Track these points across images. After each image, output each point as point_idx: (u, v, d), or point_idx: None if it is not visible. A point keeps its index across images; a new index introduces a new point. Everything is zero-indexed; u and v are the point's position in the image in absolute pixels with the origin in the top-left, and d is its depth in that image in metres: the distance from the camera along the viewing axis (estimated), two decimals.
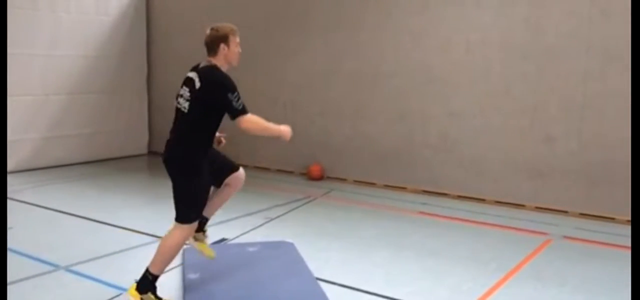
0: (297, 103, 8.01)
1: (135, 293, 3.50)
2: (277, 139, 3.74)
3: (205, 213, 3.92)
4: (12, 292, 3.79)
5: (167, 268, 4.09)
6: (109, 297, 3.84)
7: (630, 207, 5.72)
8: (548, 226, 5.68)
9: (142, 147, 9.91)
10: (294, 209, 6.27)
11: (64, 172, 8.22)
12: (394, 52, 7.26)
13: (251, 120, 3.48)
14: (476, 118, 6.70)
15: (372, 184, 7.48)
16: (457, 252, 4.86)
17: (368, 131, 7.58)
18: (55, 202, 6.36)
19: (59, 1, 8.39)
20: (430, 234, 5.45)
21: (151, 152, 10.00)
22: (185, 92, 3.55)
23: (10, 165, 7.75)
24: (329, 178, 7.82)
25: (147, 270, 3.54)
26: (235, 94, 3.43)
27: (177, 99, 3.68)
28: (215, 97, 3.44)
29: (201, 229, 4.00)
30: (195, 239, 3.98)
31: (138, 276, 4.03)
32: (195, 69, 3.63)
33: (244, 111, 3.45)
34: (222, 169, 3.84)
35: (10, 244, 4.52)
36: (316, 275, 4.15)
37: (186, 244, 3.82)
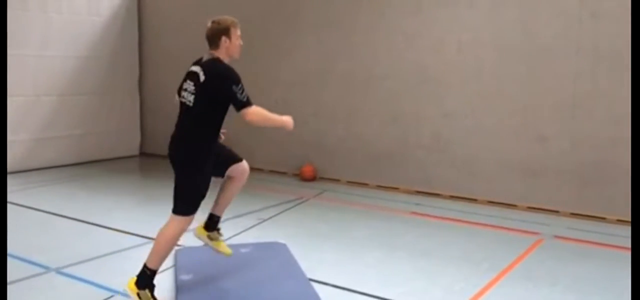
0: (289, 103, 8.00)
1: (134, 287, 3.51)
2: (279, 129, 3.75)
3: (216, 212, 3.98)
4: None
5: (160, 269, 4.08)
6: (101, 299, 3.82)
7: (620, 206, 5.80)
8: (540, 226, 5.71)
9: (134, 148, 9.87)
10: (286, 210, 6.27)
11: (55, 174, 8.17)
12: (387, 53, 7.27)
13: (256, 112, 3.50)
14: (468, 118, 6.73)
15: (365, 185, 7.49)
16: (449, 252, 4.87)
17: (361, 132, 7.59)
18: (46, 204, 6.32)
19: (50, 1, 8.34)
20: (422, 234, 5.47)
21: (143, 154, 9.97)
22: (190, 85, 3.56)
23: None
24: (321, 179, 7.82)
25: (144, 266, 3.54)
26: (240, 85, 3.45)
27: (180, 93, 3.71)
28: (219, 89, 3.46)
29: (215, 228, 4.04)
30: (211, 239, 4.03)
31: (129, 277, 4.03)
32: (198, 63, 3.64)
33: (248, 103, 3.47)
34: (227, 161, 3.85)
35: None
36: (309, 276, 4.15)
37: (178, 245, 3.82)
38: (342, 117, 7.73)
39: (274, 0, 8.24)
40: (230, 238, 5.12)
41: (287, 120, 3.73)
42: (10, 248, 4.67)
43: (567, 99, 6.06)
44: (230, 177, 3.93)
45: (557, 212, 6.13)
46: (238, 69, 3.55)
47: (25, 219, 5.85)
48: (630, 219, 5.69)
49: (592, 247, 5.13)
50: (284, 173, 8.03)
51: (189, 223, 3.63)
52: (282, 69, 8.09)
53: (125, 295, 3.84)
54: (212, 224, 4.03)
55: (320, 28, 7.78)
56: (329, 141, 7.88)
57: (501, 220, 5.90)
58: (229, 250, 4.09)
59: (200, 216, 3.77)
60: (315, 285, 3.98)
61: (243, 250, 4.69)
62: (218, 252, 4.07)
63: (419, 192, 7.06)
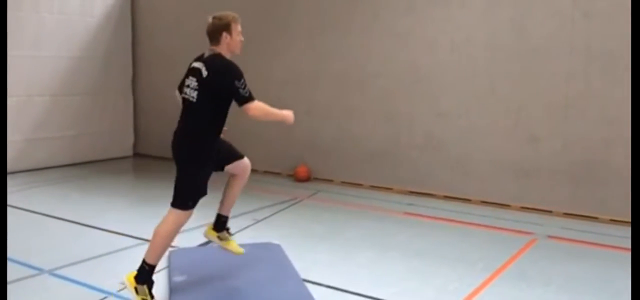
0: (283, 103, 7.95)
1: (133, 280, 3.52)
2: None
3: (223, 211, 4.01)
4: None
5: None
6: None
7: (613, 206, 5.83)
8: (533, 226, 5.73)
9: (127, 148, 9.83)
10: (280, 211, 6.26)
11: (48, 175, 8.13)
12: (380, 52, 7.28)
13: (258, 107, 3.53)
14: (462, 118, 6.75)
15: (359, 185, 7.50)
16: (443, 253, 4.88)
17: (355, 132, 7.59)
18: (39, 205, 6.28)
19: (42, 2, 8.30)
20: (416, 234, 5.48)
21: (136, 154, 9.93)
22: (192, 81, 3.58)
23: None
24: (315, 179, 7.82)
25: (143, 261, 3.55)
26: (242, 80, 3.48)
27: (181, 89, 3.74)
28: (222, 84, 3.48)
29: (223, 228, 4.06)
30: (221, 239, 4.06)
31: (123, 279, 4.01)
32: (200, 58, 3.65)
33: (251, 98, 3.50)
34: (228, 157, 3.86)
35: None
36: (303, 276, 4.15)
37: (172, 246, 3.81)
38: (336, 117, 7.74)
39: (268, 3, 8.23)
40: None
41: (287, 114, 3.78)
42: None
43: (560, 100, 6.09)
44: (232, 175, 3.95)
45: (550, 212, 6.16)
46: None
47: (18, 221, 5.80)
48: (622, 219, 5.74)
49: (585, 247, 5.16)
50: (278, 173, 8.02)
51: (187, 218, 3.64)
52: (275, 70, 8.08)
53: (118, 296, 3.84)
54: (220, 224, 4.06)
55: (314, 29, 7.78)
56: (322, 141, 7.88)
57: (494, 220, 5.92)
58: (240, 250, 4.11)
59: (198, 213, 3.76)
60: (309, 286, 3.98)
61: None
62: (229, 251, 4.10)
63: (412, 192, 7.07)
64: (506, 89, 6.42)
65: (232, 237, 4.17)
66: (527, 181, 6.36)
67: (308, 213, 6.24)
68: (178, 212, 3.58)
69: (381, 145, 7.38)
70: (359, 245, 5.07)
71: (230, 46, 3.63)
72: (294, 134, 7.97)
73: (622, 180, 5.77)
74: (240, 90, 3.46)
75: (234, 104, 3.57)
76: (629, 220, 5.69)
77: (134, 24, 9.76)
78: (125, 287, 3.90)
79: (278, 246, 4.75)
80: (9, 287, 3.96)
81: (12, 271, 4.25)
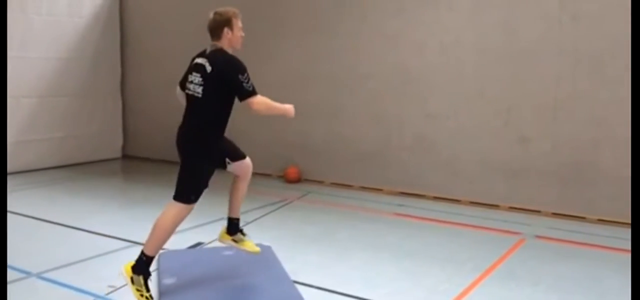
0: None
1: (129, 270, 3.53)
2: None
3: (232, 214, 4.06)
4: None
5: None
6: None
7: (600, 206, 5.89)
8: (521, 226, 5.77)
9: (116, 150, 9.77)
10: (270, 212, 6.25)
11: (36, 177, 8.05)
12: (369, 54, 7.30)
13: (261, 101, 3.57)
14: (451, 119, 6.78)
15: (349, 186, 7.51)
16: (433, 253, 4.90)
17: (345, 133, 7.60)
18: (27, 208, 6.22)
19: (29, 2, 8.22)
20: (406, 235, 5.49)
21: (125, 156, 9.87)
22: (196, 77, 3.60)
23: None
24: (306, 180, 7.82)
25: (142, 252, 3.56)
26: (245, 75, 3.51)
27: (183, 85, 3.78)
28: (226, 79, 3.51)
29: (237, 230, 4.10)
30: (235, 242, 4.10)
31: (111, 282, 3.99)
32: (202, 54, 3.68)
33: (254, 92, 3.53)
34: (231, 155, 3.88)
35: None
36: (293, 278, 4.14)
37: (162, 249, 3.79)
38: (326, 118, 7.75)
39: (258, 3, 8.22)
40: (214, 240, 5.09)
41: (289, 108, 3.84)
42: None
43: (548, 101, 6.14)
44: (235, 177, 3.98)
45: (538, 212, 6.20)
46: None
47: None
48: (610, 219, 5.80)
49: (573, 247, 5.20)
50: (268, 175, 8.00)
51: (189, 212, 3.66)
52: (265, 71, 8.04)
53: (106, 299, 3.81)
54: (232, 227, 4.10)
55: (304, 31, 7.78)
56: (313, 143, 7.88)
57: (484, 221, 5.96)
58: (256, 248, 4.15)
59: (190, 215, 3.74)
60: (300, 288, 3.98)
61: (227, 252, 4.66)
62: (246, 252, 4.14)
63: (402, 193, 7.09)
64: (495, 90, 6.46)
65: (247, 237, 4.20)
66: (516, 182, 6.41)
67: (298, 214, 6.23)
68: (180, 206, 3.61)
69: (371, 146, 7.40)
70: (349, 247, 5.07)
71: (232, 41, 3.67)
72: (284, 135, 7.97)
73: (609, 181, 5.83)
74: (244, 84, 3.50)
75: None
76: (616, 220, 5.77)
77: (122, 25, 9.70)
78: (114, 290, 3.89)
79: (268, 248, 4.74)
80: None
81: None
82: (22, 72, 8.19)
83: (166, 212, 3.62)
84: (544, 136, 6.20)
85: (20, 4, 8.09)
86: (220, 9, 3.68)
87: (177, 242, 4.75)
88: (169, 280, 4.02)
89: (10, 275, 4.22)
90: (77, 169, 8.77)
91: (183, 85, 3.84)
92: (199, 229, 5.29)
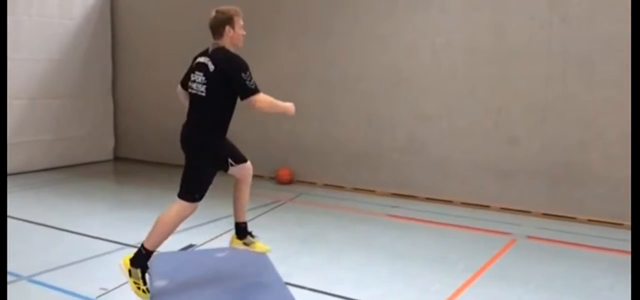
0: None
1: (128, 262, 3.55)
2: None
3: (238, 219, 4.07)
4: None
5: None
6: None
7: (590, 207, 5.94)
8: (512, 226, 5.81)
9: (107, 152, 9.72)
10: (263, 214, 6.25)
11: (26, 179, 8.00)
12: (362, 56, 7.32)
13: (264, 99, 3.60)
14: (443, 120, 6.81)
15: (342, 188, 7.52)
16: (425, 254, 4.92)
17: (337, 135, 7.61)
18: (17, 211, 6.17)
19: (20, 4, 8.17)
20: (398, 236, 5.51)
21: (117, 158, 9.83)
22: (199, 76, 3.62)
23: None
24: (298, 182, 7.82)
25: (141, 246, 3.57)
26: (248, 73, 3.53)
27: (185, 85, 3.79)
28: (229, 77, 3.53)
29: (246, 234, 4.12)
30: (246, 245, 4.12)
31: (103, 284, 3.98)
32: (205, 53, 3.69)
33: (256, 90, 3.55)
34: (233, 158, 3.89)
35: None
36: (285, 280, 4.14)
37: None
38: (319, 119, 7.75)
39: (250, 5, 8.20)
40: (206, 242, 5.09)
41: (289, 106, 3.84)
42: None
43: (538, 102, 6.18)
44: (237, 180, 4.01)
45: (529, 212, 6.25)
46: None
47: None
48: (599, 219, 5.86)
49: (563, 247, 5.24)
50: (260, 176, 7.99)
51: (192, 210, 3.68)
52: (258, 72, 7.94)
53: None
54: (241, 231, 4.13)
55: (297, 32, 7.79)
56: (305, 144, 7.89)
57: (475, 221, 5.99)
58: (267, 247, 4.18)
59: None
60: (292, 289, 3.98)
61: (219, 254, 4.65)
62: (258, 252, 4.16)
63: (394, 194, 7.11)
64: (485, 91, 6.50)
65: (257, 238, 4.22)
66: (506, 182, 6.45)
67: (290, 216, 6.23)
68: (183, 204, 3.63)
69: (363, 147, 7.41)
70: (342, 248, 5.08)
71: (234, 40, 3.69)
72: (277, 137, 7.98)
73: (599, 181, 5.88)
74: (247, 83, 3.52)
75: None
76: (606, 220, 5.82)
77: (113, 26, 9.66)
78: (105, 292, 3.88)
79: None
80: None
81: None
82: (12, 74, 8.11)
83: (170, 209, 3.65)
84: (534, 137, 6.24)
85: (11, 5, 8.02)
86: (222, 8, 3.70)
87: (169, 244, 4.71)
88: (160, 283, 4.00)
89: None
90: (68, 171, 8.72)
91: (184, 84, 3.85)
92: (191, 231, 5.28)
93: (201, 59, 3.67)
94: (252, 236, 4.17)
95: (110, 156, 9.77)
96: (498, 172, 6.49)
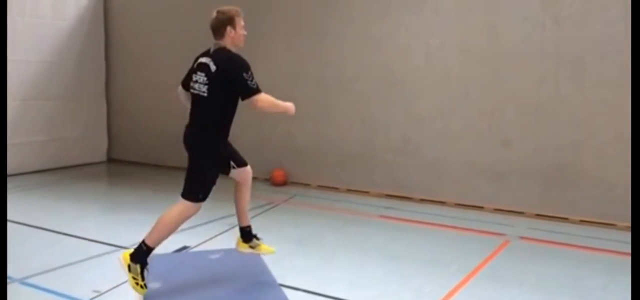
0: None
1: (128, 257, 3.58)
2: (252, 132, 3.87)
3: (243, 223, 4.14)
4: None
5: (127, 279, 4.02)
6: None
7: (582, 207, 5.97)
8: (506, 227, 5.83)
9: (100, 154, 9.68)
10: (257, 215, 6.23)
11: (19, 181, 7.94)
12: (356, 57, 7.33)
13: (265, 99, 3.64)
14: (436, 122, 6.83)
15: (336, 189, 7.52)
16: (419, 255, 4.93)
17: (331, 136, 7.62)
18: (10, 213, 6.09)
19: (13, 5, 8.12)
20: (393, 237, 5.52)
21: (110, 159, 9.79)
22: (201, 77, 3.65)
23: None
24: (292, 183, 7.82)
25: (142, 241, 3.60)
26: (249, 73, 3.57)
27: (185, 85, 3.84)
28: (231, 77, 3.56)
29: (251, 237, 4.17)
30: (252, 248, 4.16)
31: (96, 287, 3.97)
32: (206, 54, 3.72)
33: (258, 90, 3.59)
34: (235, 160, 3.94)
35: None
36: (279, 281, 4.15)
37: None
38: (313, 121, 7.75)
39: (245, 6, 8.19)
40: (200, 244, 5.08)
41: (290, 106, 3.86)
42: None
43: (531, 103, 6.21)
44: (237, 184, 4.07)
45: (522, 213, 6.27)
46: None
47: None
48: (592, 219, 5.89)
49: (556, 248, 5.26)
50: (254, 178, 7.93)
51: (196, 210, 3.71)
52: (254, 73, 8.06)
53: None
54: (246, 234, 4.18)
55: (291, 33, 7.79)
56: (299, 145, 7.89)
57: (469, 222, 6.00)
58: (272, 249, 4.23)
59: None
60: (287, 291, 3.98)
61: (213, 256, 4.66)
62: (264, 254, 4.22)
63: (388, 196, 7.12)
64: (479, 92, 6.52)
65: (262, 240, 4.27)
66: (500, 183, 6.47)
67: (285, 217, 6.23)
68: (187, 204, 3.66)
69: (357, 149, 7.42)
70: (336, 249, 5.08)
71: (235, 40, 3.73)
72: (271, 138, 7.97)
73: (591, 182, 5.92)
74: (249, 82, 3.55)
75: None
76: (598, 221, 5.86)
77: (106, 27, 9.62)
78: (98, 295, 3.87)
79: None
80: None
81: None
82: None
83: (173, 208, 3.68)
84: (527, 138, 6.27)
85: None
86: (223, 8, 3.73)
87: (163, 245, 4.72)
88: (154, 285, 3.99)
89: None
90: (61, 172, 8.67)
91: (185, 84, 3.88)
92: (185, 232, 5.25)
93: (203, 60, 3.70)
94: (257, 239, 4.22)
95: (104, 158, 9.72)
96: (492, 173, 6.51)
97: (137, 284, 3.57)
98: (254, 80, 3.58)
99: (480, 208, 6.52)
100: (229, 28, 3.67)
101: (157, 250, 4.56)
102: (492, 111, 6.46)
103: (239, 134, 7.72)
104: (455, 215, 6.29)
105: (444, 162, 6.81)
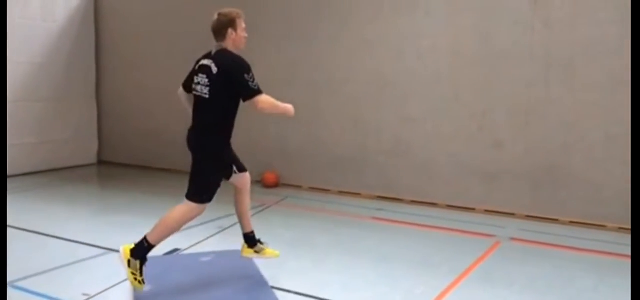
0: (250, 109, 7.98)
1: (128, 252, 3.59)
2: (246, 133, 3.90)
3: (246, 229, 4.17)
4: None
5: (118, 280, 4.01)
6: None
7: (572, 209, 6.01)
8: (497, 229, 5.85)
9: (91, 156, 9.63)
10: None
11: (9, 184, 7.84)
12: (348, 59, 7.34)
13: (266, 100, 3.66)
14: (428, 123, 6.85)
15: (327, 191, 7.53)
16: (410, 257, 4.94)
17: (323, 138, 7.62)
18: None
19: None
20: (384, 239, 5.53)
21: (101, 162, 9.73)
22: (203, 78, 3.67)
23: None
24: (284, 185, 7.81)
25: (144, 238, 3.62)
26: (251, 74, 3.60)
27: (187, 87, 3.88)
28: (232, 79, 3.58)
29: (255, 242, 4.19)
30: (257, 253, 4.18)
31: (86, 289, 3.94)
32: (208, 56, 3.75)
33: (259, 91, 3.62)
34: (237, 165, 3.99)
35: None
36: (271, 284, 4.14)
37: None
38: (305, 123, 7.74)
39: (237, 6, 8.19)
40: (191, 247, 5.06)
41: (290, 107, 3.91)
42: None
43: (521, 105, 6.25)
44: (237, 191, 4.11)
45: (513, 214, 6.31)
46: None
47: None
48: (582, 221, 5.94)
49: (546, 249, 5.29)
50: None
51: (200, 211, 3.74)
52: None
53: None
54: (250, 240, 4.19)
55: (283, 36, 7.79)
56: (291, 147, 7.89)
57: (460, 224, 6.03)
58: (276, 253, 4.25)
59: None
60: (278, 294, 3.98)
61: (204, 259, 4.64)
62: (268, 258, 4.24)
63: (380, 197, 7.13)
64: (470, 95, 6.56)
65: (266, 244, 4.28)
66: (491, 185, 6.50)
67: (276, 219, 6.22)
68: (191, 205, 3.69)
69: (349, 150, 7.43)
70: (328, 251, 5.08)
71: (236, 42, 3.77)
72: (263, 140, 7.96)
73: (581, 184, 5.96)
74: (250, 84, 3.57)
75: None
76: (588, 222, 5.90)
77: (97, 29, 9.58)
78: (88, 298, 3.84)
79: None
80: None
81: None
82: None
83: (178, 208, 3.70)
84: (518, 140, 6.30)
85: None
86: (224, 10, 3.77)
87: (158, 250, 4.70)
88: (145, 288, 3.97)
89: None
90: (51, 175, 8.61)
91: (187, 86, 3.92)
92: (176, 235, 5.20)
93: (204, 62, 3.72)
94: (262, 243, 4.24)
95: (94, 160, 9.67)
96: (482, 174, 6.54)
97: (136, 279, 3.60)
98: (255, 82, 3.60)
99: (471, 209, 6.54)
100: (230, 30, 3.71)
101: (149, 254, 4.54)
102: (483, 113, 6.49)
103: (233, 136, 7.74)
104: (446, 217, 6.32)
105: (435, 163, 6.83)
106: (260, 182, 7.82)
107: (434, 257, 4.93)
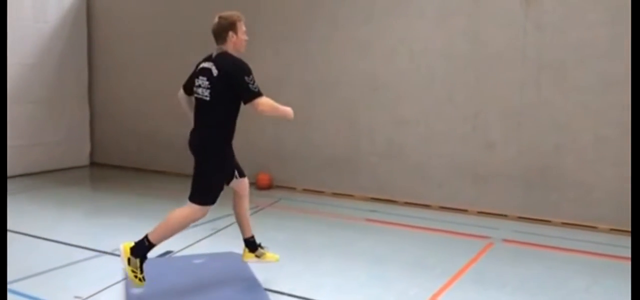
0: (245, 111, 7.97)
1: (128, 250, 3.60)
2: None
3: (246, 234, 4.18)
4: None
5: (110, 283, 4.00)
6: None
7: (564, 210, 6.05)
8: (489, 230, 5.88)
9: (83, 158, 9.58)
10: None
11: None
12: (341, 61, 7.35)
13: (267, 103, 3.68)
14: (420, 125, 6.87)
15: (321, 193, 7.53)
16: (403, 258, 4.96)
17: (316, 140, 7.62)
18: None
19: None
20: (377, 241, 5.54)
21: (93, 163, 9.69)
22: (203, 81, 3.69)
23: None
24: (277, 187, 7.81)
25: (146, 236, 3.63)
26: (251, 76, 3.62)
27: (187, 89, 3.91)
28: (233, 81, 3.60)
29: (256, 246, 4.20)
30: (258, 257, 4.19)
31: (78, 292, 3.92)
32: (209, 58, 3.77)
33: (260, 93, 3.63)
34: (237, 169, 4.00)
35: None
36: (265, 286, 4.14)
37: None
38: (298, 125, 7.73)
39: (230, 10, 8.17)
40: (183, 249, 5.05)
41: (289, 110, 3.95)
42: None
43: (514, 107, 6.28)
44: (236, 196, 4.11)
45: (505, 216, 6.33)
46: None
47: None
48: (573, 222, 5.97)
49: (539, 250, 5.32)
50: None
51: (203, 214, 3.75)
52: None
53: None
54: (250, 244, 4.21)
55: (276, 38, 7.78)
56: (284, 149, 7.88)
57: (453, 225, 6.05)
58: (276, 256, 4.26)
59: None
60: (272, 295, 3.98)
61: (197, 261, 4.63)
62: (269, 262, 4.25)
63: (373, 199, 7.15)
64: (463, 96, 6.58)
65: (266, 248, 4.29)
66: (483, 186, 6.53)
67: (270, 221, 6.21)
68: (194, 207, 3.70)
69: (342, 152, 7.44)
70: (321, 253, 5.09)
71: (236, 45, 3.78)
72: (256, 142, 7.95)
73: (573, 185, 6.00)
74: (250, 86, 3.59)
75: None
76: (579, 223, 5.94)
77: (89, 30, 9.54)
78: None
79: (239, 256, 4.71)
80: None
81: None
82: None
83: (181, 209, 3.71)
84: (510, 141, 6.33)
85: None
86: (225, 13, 3.79)
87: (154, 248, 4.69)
88: (136, 290, 3.96)
89: None
90: (43, 177, 8.57)
91: (187, 89, 3.94)
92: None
93: (205, 64, 3.74)
94: (262, 247, 4.25)
95: (87, 162, 9.62)
96: (475, 176, 6.57)
97: (136, 277, 3.60)
98: (255, 84, 3.62)
99: (464, 211, 6.57)
100: (230, 33, 3.73)
101: None
102: (475, 115, 6.52)
103: None
104: (439, 218, 6.34)
105: (428, 165, 6.85)
106: (254, 184, 7.80)
107: (427, 259, 4.95)
